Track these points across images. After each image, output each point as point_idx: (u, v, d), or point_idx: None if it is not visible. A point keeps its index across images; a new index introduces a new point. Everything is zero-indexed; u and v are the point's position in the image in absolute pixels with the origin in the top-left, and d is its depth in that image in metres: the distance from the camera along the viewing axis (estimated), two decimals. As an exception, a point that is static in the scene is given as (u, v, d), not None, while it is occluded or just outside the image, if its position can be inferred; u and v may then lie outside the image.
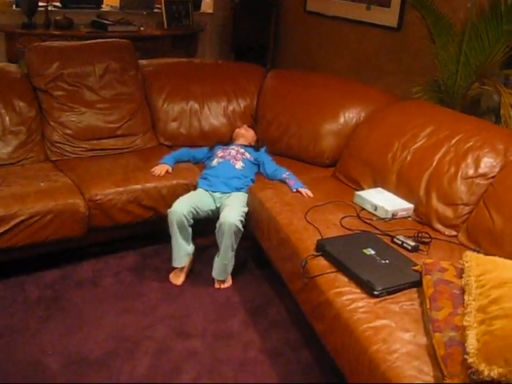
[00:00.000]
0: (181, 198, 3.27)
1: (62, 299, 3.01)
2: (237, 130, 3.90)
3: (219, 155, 3.58)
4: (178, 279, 3.23)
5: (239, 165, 3.52)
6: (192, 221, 3.22)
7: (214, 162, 3.54)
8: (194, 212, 3.22)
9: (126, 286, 3.17)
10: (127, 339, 2.73)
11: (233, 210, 3.19)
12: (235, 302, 3.09)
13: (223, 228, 3.10)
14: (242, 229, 3.17)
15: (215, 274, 3.21)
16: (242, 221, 3.18)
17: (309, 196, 3.24)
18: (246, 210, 3.29)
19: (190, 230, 3.22)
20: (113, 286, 3.16)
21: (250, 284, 3.28)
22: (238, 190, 3.42)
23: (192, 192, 3.40)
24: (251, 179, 3.53)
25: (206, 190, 3.38)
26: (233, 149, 3.64)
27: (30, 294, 3.03)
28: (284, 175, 3.44)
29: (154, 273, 3.30)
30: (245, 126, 3.95)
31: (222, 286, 3.22)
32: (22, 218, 2.97)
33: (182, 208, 3.16)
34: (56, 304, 2.97)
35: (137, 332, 2.79)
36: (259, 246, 3.31)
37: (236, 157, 3.56)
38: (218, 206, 3.33)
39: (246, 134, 3.85)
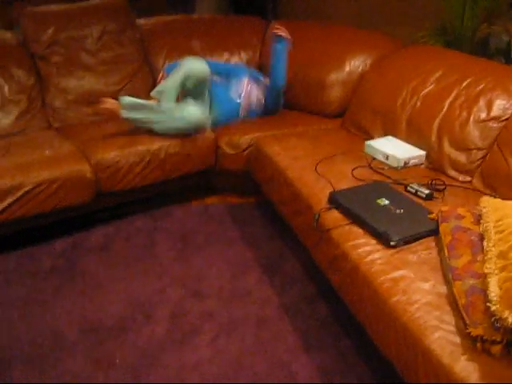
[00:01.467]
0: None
1: (75, 267, 2.99)
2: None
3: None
4: None
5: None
6: None
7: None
8: None
9: (138, 249, 3.14)
10: (143, 303, 2.71)
11: None
12: (249, 259, 3.06)
13: None
14: None
15: None
16: None
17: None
18: None
19: None
20: (124, 250, 3.13)
21: (263, 240, 3.24)
22: None
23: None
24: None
25: None
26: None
27: (43, 264, 3.01)
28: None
29: (165, 234, 3.26)
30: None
31: None
32: (28, 187, 2.93)
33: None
34: (69, 272, 2.95)
35: (152, 295, 2.76)
36: (268, 201, 3.27)
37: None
38: None
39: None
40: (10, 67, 3.52)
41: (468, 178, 2.88)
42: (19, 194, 2.92)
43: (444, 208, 2.38)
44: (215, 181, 3.61)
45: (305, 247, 2.81)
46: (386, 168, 2.96)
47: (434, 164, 3.00)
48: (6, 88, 3.47)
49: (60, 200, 3.04)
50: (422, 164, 3.04)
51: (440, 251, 2.22)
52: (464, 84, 3.04)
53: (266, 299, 2.74)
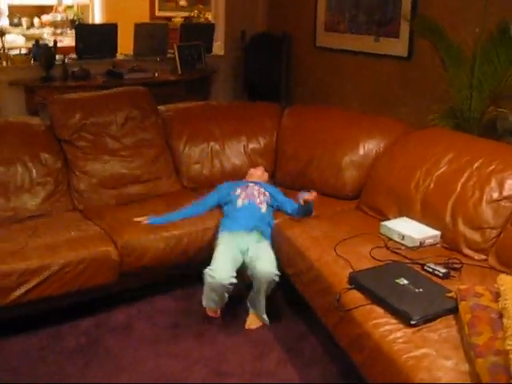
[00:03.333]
0: (220, 264, 3.15)
1: (99, 346, 3.03)
2: (251, 171, 3.92)
3: (241, 196, 3.58)
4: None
5: (264, 207, 3.53)
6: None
7: (239, 202, 3.55)
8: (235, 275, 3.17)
9: (160, 329, 3.19)
10: (166, 382, 2.74)
11: (268, 263, 3.19)
12: (269, 339, 3.10)
13: (261, 281, 3.15)
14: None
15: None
16: (277, 274, 3.18)
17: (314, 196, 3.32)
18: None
19: None
20: (147, 330, 3.18)
21: (283, 321, 3.29)
22: (261, 232, 3.40)
23: (223, 251, 3.25)
24: (269, 223, 3.51)
25: (230, 233, 3.36)
26: (252, 187, 3.65)
27: (67, 343, 3.06)
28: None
29: (187, 315, 3.32)
30: (261, 167, 3.98)
31: (252, 327, 3.23)
32: (55, 268, 3.02)
33: (227, 277, 3.09)
34: (93, 351, 2.99)
35: (176, 375, 2.80)
36: (288, 283, 3.34)
37: (260, 198, 3.57)
38: (245, 248, 3.30)
39: (261, 176, 3.88)
40: (38, 151, 3.67)
41: (483, 257, 2.95)
42: (47, 274, 3.00)
43: (462, 286, 2.45)
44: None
45: (325, 327, 2.86)
46: (402, 248, 3.04)
47: (449, 243, 3.07)
48: (34, 171, 3.61)
49: (85, 280, 3.11)
50: (437, 243, 3.11)
51: (460, 329, 2.27)
52: (475, 165, 3.15)
53: (288, 380, 2.77)
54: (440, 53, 4.11)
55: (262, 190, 3.66)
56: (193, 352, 2.99)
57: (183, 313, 3.34)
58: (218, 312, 3.26)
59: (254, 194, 3.59)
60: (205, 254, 3.37)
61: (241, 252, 3.27)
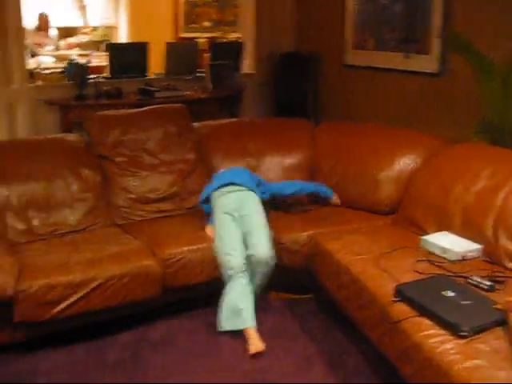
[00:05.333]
0: (229, 247, 3.30)
1: (141, 361, 3.05)
2: None
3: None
4: (258, 343, 3.11)
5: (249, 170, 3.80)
6: None
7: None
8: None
9: (202, 344, 3.19)
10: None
11: (262, 238, 3.32)
12: (311, 353, 3.10)
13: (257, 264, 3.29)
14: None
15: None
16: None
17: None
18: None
19: None
20: (189, 345, 3.18)
21: (324, 334, 3.29)
22: (251, 189, 3.55)
23: (225, 233, 3.38)
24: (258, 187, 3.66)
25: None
26: None
27: (109, 357, 3.07)
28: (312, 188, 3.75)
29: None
30: None
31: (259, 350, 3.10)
32: (98, 281, 3.05)
33: (240, 260, 3.24)
34: (135, 366, 3.00)
35: (221, 388, 2.81)
36: (326, 296, 3.36)
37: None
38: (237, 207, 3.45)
39: None
40: (78, 167, 3.72)
41: (526, 270, 2.94)
42: (90, 287, 3.03)
43: (511, 298, 2.44)
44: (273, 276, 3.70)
45: (367, 340, 2.86)
46: (444, 262, 3.03)
47: (491, 257, 3.06)
48: (75, 186, 3.66)
49: (128, 294, 3.14)
50: (478, 257, 3.10)
51: (511, 341, 2.26)
52: (515, 179, 3.15)
53: (335, 393, 2.77)
54: (473, 67, 4.12)
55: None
56: (235, 366, 2.99)
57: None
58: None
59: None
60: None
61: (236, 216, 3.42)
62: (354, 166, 3.97)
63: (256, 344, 3.09)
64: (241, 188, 3.57)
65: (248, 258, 3.30)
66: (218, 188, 3.60)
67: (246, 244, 3.35)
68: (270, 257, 3.30)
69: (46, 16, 8.36)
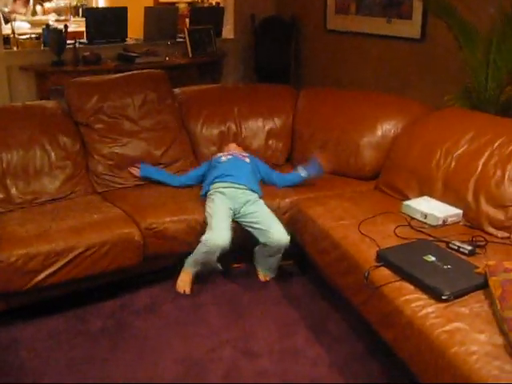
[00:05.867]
0: (218, 227, 3.24)
1: (125, 328, 3.05)
2: (227, 147, 3.95)
3: (224, 155, 3.73)
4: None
5: (247, 159, 3.69)
6: None
7: (223, 159, 3.68)
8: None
9: (186, 310, 3.20)
10: (195, 363, 2.76)
11: (278, 226, 3.32)
12: (295, 318, 3.12)
13: (275, 248, 3.29)
14: None
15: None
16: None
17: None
18: None
19: None
20: (172, 311, 3.19)
21: (307, 300, 3.31)
22: (254, 191, 3.51)
23: (218, 213, 3.33)
24: (257, 185, 3.60)
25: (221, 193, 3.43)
26: (234, 151, 3.79)
27: (92, 325, 3.07)
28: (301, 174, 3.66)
29: (211, 295, 3.33)
30: (233, 143, 4.02)
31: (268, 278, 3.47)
32: (80, 250, 3.02)
33: (226, 239, 3.19)
34: (119, 333, 3.01)
35: (203, 355, 2.82)
36: (309, 262, 3.37)
37: (241, 154, 3.75)
38: (237, 207, 3.41)
39: (236, 148, 3.92)
40: (56, 134, 3.66)
41: (506, 234, 2.96)
42: (71, 256, 3.00)
43: (490, 262, 2.46)
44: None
45: (350, 306, 2.89)
46: (425, 227, 3.05)
47: (472, 222, 3.09)
48: (53, 154, 3.60)
49: (109, 262, 3.12)
50: (459, 222, 3.13)
51: (491, 304, 2.29)
52: (496, 144, 3.17)
53: (317, 358, 2.79)
54: (454, 32, 4.10)
55: (243, 153, 3.82)
56: (219, 332, 3.01)
57: (206, 294, 3.36)
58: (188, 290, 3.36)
59: (237, 153, 3.77)
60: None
61: (232, 210, 3.40)
62: (335, 131, 3.94)
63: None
64: (245, 190, 3.48)
65: (265, 245, 3.32)
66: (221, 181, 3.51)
67: (257, 234, 3.34)
68: (288, 240, 3.30)
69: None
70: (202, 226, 3.33)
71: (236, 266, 3.64)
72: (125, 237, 3.15)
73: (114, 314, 3.16)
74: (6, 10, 7.89)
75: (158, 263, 3.43)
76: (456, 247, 2.78)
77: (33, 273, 2.93)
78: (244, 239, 3.38)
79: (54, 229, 3.09)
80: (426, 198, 3.29)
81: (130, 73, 4.18)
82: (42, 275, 2.95)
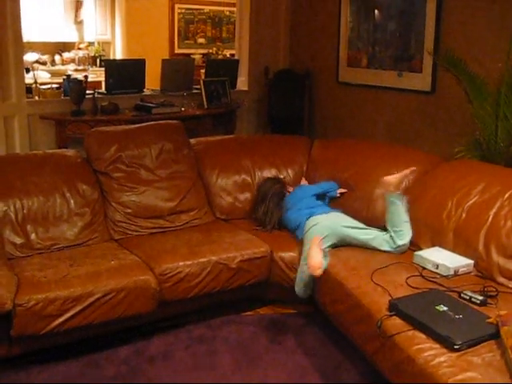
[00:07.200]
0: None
1: (138, 375, 3.07)
2: None
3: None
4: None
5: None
6: None
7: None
8: None
9: (198, 358, 3.22)
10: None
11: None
12: (307, 367, 3.14)
13: None
14: None
15: None
16: None
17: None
18: None
19: None
20: (185, 359, 3.21)
21: (319, 349, 3.32)
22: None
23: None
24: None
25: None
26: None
27: (106, 371, 3.09)
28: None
29: (223, 343, 3.35)
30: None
31: None
32: (97, 295, 3.08)
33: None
34: (133, 380, 3.03)
35: (217, 402, 2.84)
36: (320, 310, 3.42)
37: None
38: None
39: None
40: (75, 182, 3.76)
41: (518, 285, 3.00)
42: (89, 301, 3.05)
43: (502, 312, 2.50)
44: (268, 291, 3.75)
45: (362, 355, 2.91)
46: (437, 277, 3.09)
47: (483, 272, 3.13)
48: (72, 201, 3.70)
49: (126, 308, 3.17)
50: (471, 272, 3.17)
51: (503, 353, 2.32)
52: (506, 195, 3.23)
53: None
54: (463, 86, 4.21)
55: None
56: (231, 379, 3.02)
57: (219, 341, 3.38)
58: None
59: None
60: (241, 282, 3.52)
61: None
62: (348, 182, 4.02)
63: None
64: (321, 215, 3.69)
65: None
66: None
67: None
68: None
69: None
70: (218, 269, 3.46)
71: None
72: (141, 283, 3.20)
73: (128, 361, 3.19)
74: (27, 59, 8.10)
75: (171, 309, 3.47)
76: (468, 297, 2.82)
77: (50, 317, 2.98)
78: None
79: (72, 274, 3.16)
80: (437, 248, 3.34)
81: (147, 123, 4.32)
82: (60, 320, 3.00)
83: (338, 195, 4.03)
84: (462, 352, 2.35)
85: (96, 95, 5.49)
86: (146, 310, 3.24)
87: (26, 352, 3.10)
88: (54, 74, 8.23)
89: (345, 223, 3.58)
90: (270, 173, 4.28)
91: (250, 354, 3.25)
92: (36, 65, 7.83)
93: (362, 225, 3.61)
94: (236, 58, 6.75)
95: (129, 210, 3.85)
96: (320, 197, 3.99)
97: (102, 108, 5.42)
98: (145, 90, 6.01)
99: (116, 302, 3.13)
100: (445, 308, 2.64)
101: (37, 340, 3.05)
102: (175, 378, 3.05)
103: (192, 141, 4.37)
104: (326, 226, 3.54)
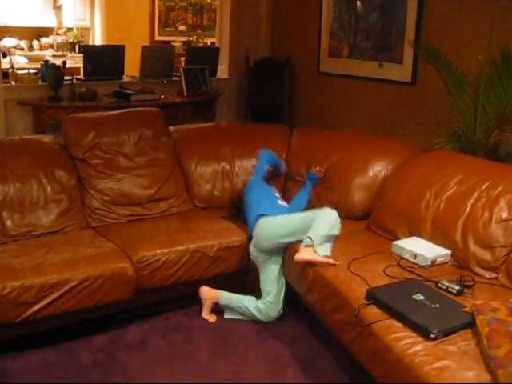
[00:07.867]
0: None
1: (115, 362, 3.06)
2: None
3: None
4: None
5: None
6: None
7: None
8: None
9: (176, 346, 3.22)
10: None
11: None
12: (284, 355, 3.15)
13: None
14: None
15: None
16: None
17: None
18: None
19: None
20: (162, 347, 3.21)
21: (296, 338, 3.33)
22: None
23: None
24: None
25: None
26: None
27: (83, 359, 3.08)
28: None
29: (201, 332, 3.36)
30: None
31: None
32: (73, 283, 3.06)
33: None
34: (109, 367, 3.02)
35: (192, 389, 2.84)
36: (299, 300, 3.42)
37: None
38: None
39: None
40: (52, 169, 3.72)
41: (494, 275, 3.02)
42: (65, 289, 3.04)
43: (478, 302, 2.52)
44: (247, 280, 3.74)
45: (339, 343, 2.92)
46: (415, 266, 3.10)
47: (460, 262, 3.14)
48: (49, 188, 3.66)
49: (102, 296, 3.15)
50: (447, 262, 3.18)
51: (478, 342, 2.33)
52: (484, 186, 3.24)
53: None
54: (443, 78, 4.22)
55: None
56: (208, 368, 3.03)
57: (197, 329, 3.38)
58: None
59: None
60: (218, 270, 3.52)
61: None
62: (327, 171, 4.02)
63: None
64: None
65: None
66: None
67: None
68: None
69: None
70: (195, 257, 3.46)
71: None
72: (118, 271, 3.18)
73: (105, 348, 3.18)
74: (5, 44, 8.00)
75: (148, 297, 3.46)
76: (444, 287, 2.83)
77: (26, 305, 2.96)
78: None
79: (48, 262, 3.13)
80: (415, 238, 3.35)
81: (126, 110, 4.28)
82: (36, 307, 2.98)
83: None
84: (438, 341, 2.37)
85: (74, 81, 5.42)
86: (123, 297, 3.23)
87: (1, 340, 3.07)
88: (31, 59, 8.12)
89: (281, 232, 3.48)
90: (249, 161, 4.26)
91: (228, 343, 3.25)
92: (13, 50, 7.71)
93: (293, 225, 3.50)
94: (217, 45, 6.70)
95: (106, 198, 3.82)
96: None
97: (80, 94, 5.36)
98: (124, 76, 5.95)
99: (93, 290, 3.12)
100: (421, 297, 2.65)
101: (12, 328, 3.03)
102: (151, 365, 3.04)
103: (171, 128, 4.34)
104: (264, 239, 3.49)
